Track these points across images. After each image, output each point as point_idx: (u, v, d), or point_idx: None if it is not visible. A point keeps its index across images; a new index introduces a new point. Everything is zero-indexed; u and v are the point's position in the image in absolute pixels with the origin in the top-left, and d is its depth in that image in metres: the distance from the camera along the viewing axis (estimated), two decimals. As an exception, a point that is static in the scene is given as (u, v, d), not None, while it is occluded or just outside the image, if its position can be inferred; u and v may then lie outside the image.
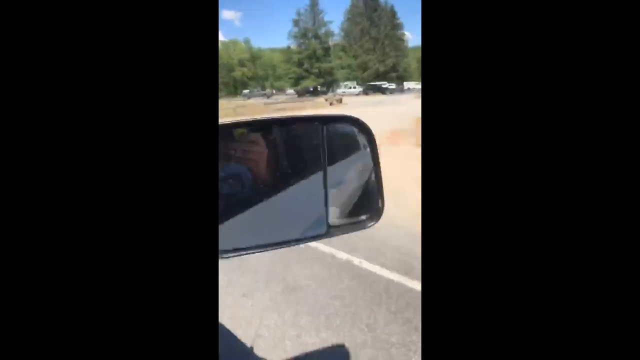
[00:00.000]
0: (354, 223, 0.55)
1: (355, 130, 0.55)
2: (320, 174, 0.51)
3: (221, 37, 75.30)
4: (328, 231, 0.52)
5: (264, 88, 49.23)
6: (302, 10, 40.45)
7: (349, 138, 0.56)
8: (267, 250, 0.48)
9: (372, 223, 0.55)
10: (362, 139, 0.55)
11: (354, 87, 35.32)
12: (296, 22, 40.76)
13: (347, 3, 47.80)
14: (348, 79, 39.96)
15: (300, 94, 37.81)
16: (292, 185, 0.51)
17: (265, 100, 22.04)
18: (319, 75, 40.19)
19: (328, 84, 40.73)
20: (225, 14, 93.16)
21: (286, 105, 19.40)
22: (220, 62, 51.65)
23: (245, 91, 46.89)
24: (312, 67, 39.83)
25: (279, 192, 0.50)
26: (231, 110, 16.65)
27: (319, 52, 40.01)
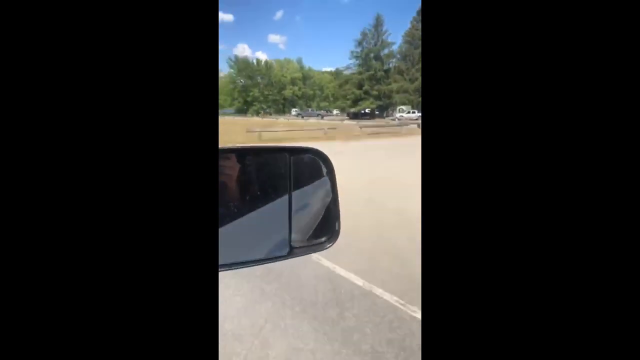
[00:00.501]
0: (314, 245, 0.60)
1: (317, 160, 0.61)
2: (285, 199, 0.55)
3: (265, 57, 76.74)
4: (290, 252, 0.56)
5: (310, 108, 47.95)
6: (366, 31, 38.96)
7: (312, 167, 0.61)
8: (229, 270, 0.49)
9: (330, 244, 0.59)
10: (323, 168, 0.61)
11: (413, 112, 32.94)
12: (359, 42, 39.29)
13: (406, 26, 46.23)
14: (404, 103, 37.72)
15: (351, 116, 35.75)
16: (258, 208, 0.55)
17: (360, 122, 20.51)
18: (378, 97, 38.20)
19: (384, 107, 38.65)
20: (271, 38, 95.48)
21: (380, 129, 17.26)
22: (272, 79, 51.54)
23: (295, 110, 45.62)
24: (371, 89, 37.95)
25: (245, 214, 0.53)
26: (322, 133, 14.41)
27: (380, 73, 38.18)
